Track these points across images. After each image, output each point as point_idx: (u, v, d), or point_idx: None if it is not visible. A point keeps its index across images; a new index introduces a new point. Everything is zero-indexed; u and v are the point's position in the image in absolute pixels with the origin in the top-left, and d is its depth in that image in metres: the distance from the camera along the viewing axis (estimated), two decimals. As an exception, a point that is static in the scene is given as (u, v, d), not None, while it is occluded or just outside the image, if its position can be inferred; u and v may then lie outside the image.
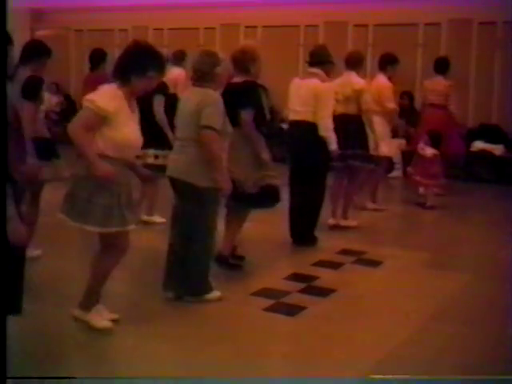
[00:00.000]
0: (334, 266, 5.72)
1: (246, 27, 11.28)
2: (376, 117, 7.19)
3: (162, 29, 11.88)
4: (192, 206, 4.60)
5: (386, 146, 7.62)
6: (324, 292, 5.05)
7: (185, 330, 4.26)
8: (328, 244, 6.33)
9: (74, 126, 3.86)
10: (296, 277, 5.39)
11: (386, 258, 5.92)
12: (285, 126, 7.45)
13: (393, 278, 5.58)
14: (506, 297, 4.85)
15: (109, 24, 12.26)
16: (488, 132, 9.69)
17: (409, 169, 8.14)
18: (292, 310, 4.66)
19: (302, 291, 5.07)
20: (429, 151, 7.81)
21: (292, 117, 6.28)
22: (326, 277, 5.41)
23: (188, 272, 4.66)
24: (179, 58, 8.82)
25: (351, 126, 6.73)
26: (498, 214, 7.87)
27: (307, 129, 6.09)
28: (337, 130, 6.20)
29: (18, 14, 10.95)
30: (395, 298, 5.02)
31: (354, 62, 6.95)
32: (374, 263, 5.80)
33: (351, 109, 6.79)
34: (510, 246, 6.22)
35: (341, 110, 6.63)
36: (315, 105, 6.05)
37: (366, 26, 10.49)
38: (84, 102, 3.92)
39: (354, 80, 6.81)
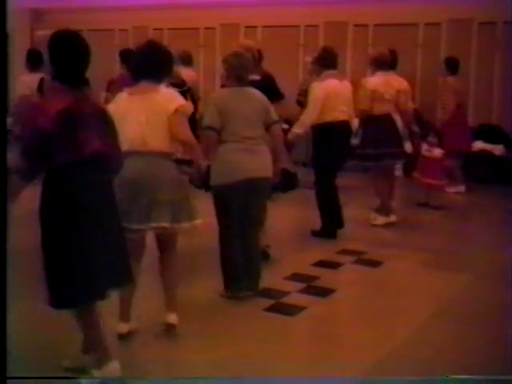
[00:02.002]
0: (334, 265, 5.73)
1: (246, 27, 11.26)
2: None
3: (162, 29, 11.87)
4: (265, 199, 5.01)
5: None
6: (324, 292, 5.06)
7: (184, 330, 4.26)
8: (328, 244, 6.33)
9: (190, 134, 4.08)
10: (296, 277, 5.39)
11: (386, 257, 5.92)
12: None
13: (393, 277, 5.58)
14: (505, 297, 4.85)
15: (109, 24, 12.24)
16: (488, 132, 9.67)
17: (415, 174, 8.09)
18: (292, 310, 4.67)
19: (302, 291, 5.07)
20: (436, 152, 7.81)
21: (340, 117, 6.43)
22: (325, 277, 5.41)
23: (259, 264, 5.01)
24: (189, 60, 9.00)
25: (393, 125, 7.04)
26: (498, 214, 7.87)
27: (349, 126, 6.61)
28: (382, 128, 6.82)
29: (18, 13, 10.94)
30: (395, 298, 5.03)
31: (386, 62, 7.07)
32: (374, 263, 5.80)
33: (392, 108, 7.04)
34: (510, 246, 6.21)
35: (385, 109, 6.94)
36: (351, 103, 6.62)
37: (365, 26, 10.48)
38: (180, 108, 4.03)
39: (395, 80, 7.07)
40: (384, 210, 7.11)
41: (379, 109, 6.88)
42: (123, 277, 3.62)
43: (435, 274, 5.55)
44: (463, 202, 8.54)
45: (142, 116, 3.98)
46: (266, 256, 5.56)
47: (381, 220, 7.08)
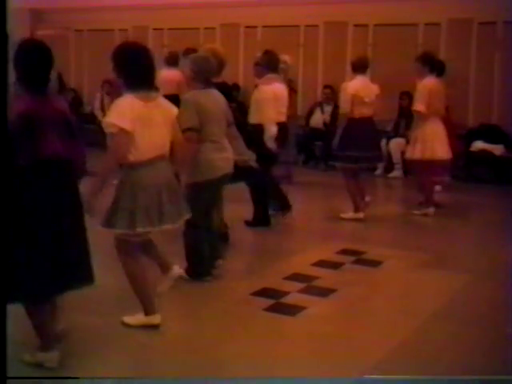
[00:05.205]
0: (334, 265, 5.72)
1: (246, 27, 11.28)
2: (436, 119, 7.38)
3: (161, 29, 11.88)
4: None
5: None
6: (324, 292, 5.06)
7: (184, 330, 4.26)
8: (328, 244, 6.33)
9: None
10: (296, 277, 5.39)
11: (386, 257, 5.92)
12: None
13: (393, 277, 5.58)
14: (505, 297, 4.85)
15: (109, 24, 12.25)
16: (488, 132, 9.67)
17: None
18: (292, 310, 4.67)
19: (302, 291, 5.07)
20: None
21: (280, 119, 6.70)
22: (326, 277, 5.41)
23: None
24: (174, 60, 9.01)
25: (372, 128, 7.24)
26: (498, 213, 7.86)
27: (287, 127, 6.93)
28: (362, 131, 6.94)
29: (18, 13, 10.94)
30: (395, 298, 5.03)
31: (364, 66, 7.21)
32: (374, 263, 5.80)
33: (372, 111, 7.17)
34: (510, 245, 6.21)
35: (365, 112, 7.06)
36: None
37: (366, 26, 10.49)
38: (177, 114, 4.32)
39: (372, 85, 7.18)
40: (355, 207, 7.22)
41: (359, 112, 7.00)
42: (81, 278, 3.70)
43: (435, 274, 5.55)
44: (463, 201, 8.53)
45: (163, 122, 4.12)
46: (227, 237, 5.93)
47: (350, 215, 7.19)
